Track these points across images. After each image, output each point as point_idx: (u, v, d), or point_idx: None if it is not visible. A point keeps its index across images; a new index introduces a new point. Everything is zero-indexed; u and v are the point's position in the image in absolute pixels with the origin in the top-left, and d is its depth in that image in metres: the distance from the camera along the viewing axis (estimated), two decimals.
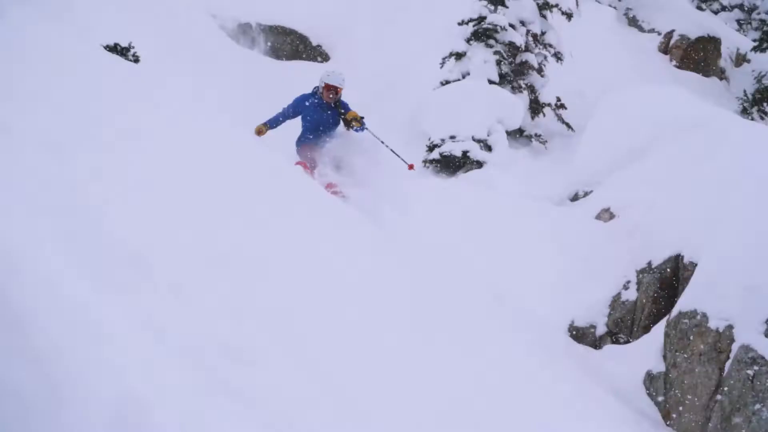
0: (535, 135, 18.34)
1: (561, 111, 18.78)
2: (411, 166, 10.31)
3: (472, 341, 5.62)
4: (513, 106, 17.48)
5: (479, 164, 16.48)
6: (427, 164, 16.87)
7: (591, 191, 11.54)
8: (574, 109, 18.36)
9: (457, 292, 7.34)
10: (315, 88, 10.29)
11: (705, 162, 10.19)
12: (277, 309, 3.64)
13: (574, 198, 12.27)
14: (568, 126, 18.41)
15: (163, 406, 2.47)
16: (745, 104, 18.56)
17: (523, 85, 18.74)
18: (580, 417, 5.45)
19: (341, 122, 10.37)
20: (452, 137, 17.05)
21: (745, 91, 19.33)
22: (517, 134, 18.06)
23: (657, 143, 11.74)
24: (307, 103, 10.19)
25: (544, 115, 18.88)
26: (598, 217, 10.55)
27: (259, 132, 9.89)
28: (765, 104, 17.40)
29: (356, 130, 10.42)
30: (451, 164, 16.70)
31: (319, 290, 4.12)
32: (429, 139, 17.35)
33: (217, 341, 3.08)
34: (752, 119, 17.41)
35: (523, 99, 18.39)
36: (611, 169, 11.80)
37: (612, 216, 10.47)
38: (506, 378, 5.02)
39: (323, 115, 10.22)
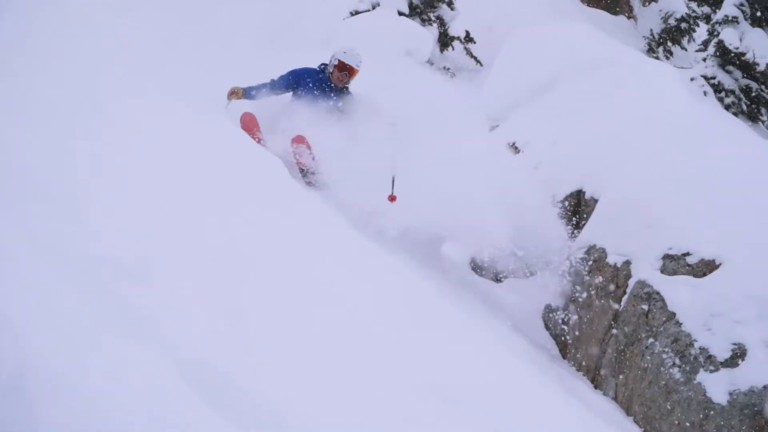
0: (444, 68, 18.22)
1: (470, 45, 18.68)
2: (392, 198, 7.87)
3: (373, 270, 5.54)
4: (422, 39, 17.28)
5: None
6: None
7: (497, 126, 11.51)
8: (483, 44, 18.29)
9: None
10: (322, 65, 8.83)
11: (609, 99, 10.23)
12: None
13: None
14: (477, 60, 18.33)
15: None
16: (652, 43, 18.73)
17: (433, 18, 18.57)
18: (476, 351, 5.42)
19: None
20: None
21: (651, 31, 19.48)
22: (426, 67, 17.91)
23: (562, 80, 11.74)
24: (308, 79, 8.67)
25: (453, 48, 18.75)
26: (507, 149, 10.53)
27: (234, 94, 8.29)
28: (670, 44, 17.57)
29: None
30: None
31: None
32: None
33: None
34: (657, 58, 17.59)
35: (432, 32, 18.22)
36: (518, 104, 11.77)
37: (517, 150, 10.47)
38: (401, 305, 4.95)
39: (325, 98, 8.66)
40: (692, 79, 13.13)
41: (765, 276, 7.54)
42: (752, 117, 13.61)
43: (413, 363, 3.88)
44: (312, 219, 5.91)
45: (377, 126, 8.31)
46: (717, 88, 13.29)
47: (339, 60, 8.62)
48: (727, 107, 13.13)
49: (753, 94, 13.47)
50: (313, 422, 2.85)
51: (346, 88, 8.80)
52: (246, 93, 8.40)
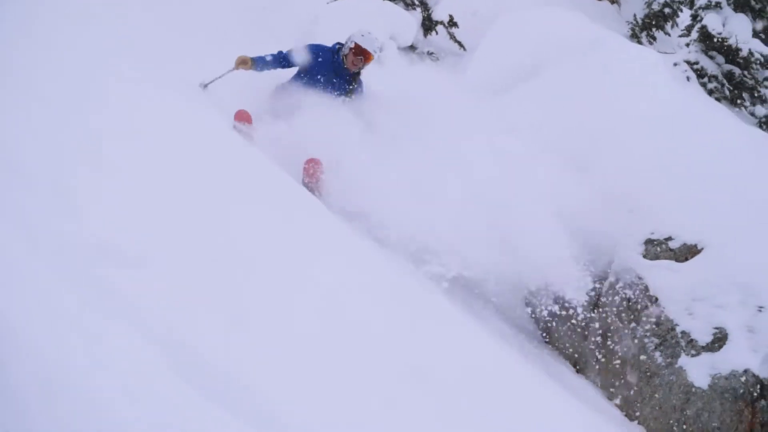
0: (428, 53, 18.16)
1: (453, 29, 18.62)
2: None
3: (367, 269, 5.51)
4: (406, 23, 17.23)
5: None
6: None
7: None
8: (467, 29, 18.20)
9: None
10: (337, 44, 8.36)
11: (594, 85, 10.23)
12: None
13: None
14: (460, 45, 18.24)
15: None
16: (635, 28, 18.69)
17: (417, 2, 18.50)
18: (456, 333, 5.41)
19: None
20: None
21: (635, 16, 19.44)
22: (409, 51, 17.86)
23: (547, 65, 11.72)
24: (320, 59, 8.17)
25: (437, 33, 18.66)
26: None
27: (243, 63, 7.84)
28: (654, 29, 17.57)
29: None
30: None
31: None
32: None
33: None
34: (641, 43, 17.58)
35: (415, 16, 18.15)
36: (501, 89, 11.75)
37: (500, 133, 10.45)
38: (389, 297, 4.93)
39: (333, 81, 8.22)
40: (675, 65, 13.14)
41: (746, 260, 7.58)
42: (735, 102, 13.65)
43: (402, 350, 3.87)
44: (311, 221, 5.72)
45: (379, 139, 7.91)
46: (700, 74, 13.31)
47: (356, 43, 8.13)
48: (710, 92, 13.15)
49: (735, 80, 13.50)
50: (306, 415, 2.83)
51: (358, 74, 8.35)
52: (254, 64, 7.94)
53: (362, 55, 8.16)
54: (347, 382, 3.20)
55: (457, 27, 19.19)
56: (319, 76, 8.16)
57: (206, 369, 2.71)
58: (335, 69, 8.22)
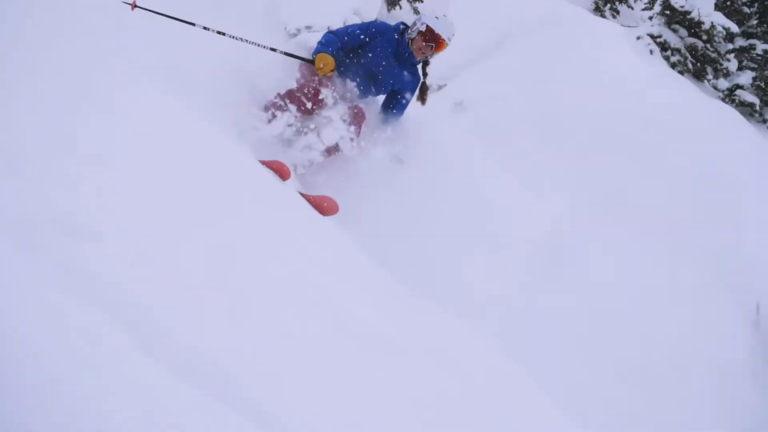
0: None
1: (417, 4, 18.54)
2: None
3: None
4: None
5: None
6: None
7: (445, 84, 11.48)
8: (430, 2, 18.14)
9: None
10: (401, 24, 7.14)
11: (559, 58, 10.27)
12: None
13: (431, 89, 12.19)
14: None
15: None
16: (598, 2, 18.72)
17: None
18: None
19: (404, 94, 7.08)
20: (308, 27, 16.63)
21: None
22: None
23: (512, 39, 11.74)
24: (381, 39, 6.88)
25: (401, 8, 18.58)
26: (453, 109, 10.50)
27: (327, 67, 6.61)
28: (617, 2, 17.59)
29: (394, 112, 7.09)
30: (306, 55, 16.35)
31: None
32: (285, 29, 16.91)
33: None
34: (604, 17, 17.63)
35: None
36: (467, 63, 11.75)
37: (464, 108, 10.44)
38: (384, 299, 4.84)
39: (394, 68, 6.96)
40: (638, 38, 13.19)
41: None
42: (698, 75, 13.73)
43: (402, 350, 3.82)
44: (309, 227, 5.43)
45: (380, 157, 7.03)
46: (663, 47, 13.38)
47: (428, 26, 6.85)
48: (673, 66, 13.22)
49: (698, 53, 13.58)
50: (306, 415, 2.81)
51: (423, 64, 7.19)
52: (331, 53, 6.72)
53: (434, 41, 6.88)
54: (347, 383, 3.17)
55: (421, 2, 19.17)
56: (381, 57, 6.91)
57: (180, 350, 2.67)
58: (397, 54, 6.99)
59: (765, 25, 14.47)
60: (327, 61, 6.64)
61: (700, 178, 8.26)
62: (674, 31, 13.51)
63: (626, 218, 7.92)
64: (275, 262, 3.73)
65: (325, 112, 6.76)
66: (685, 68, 13.42)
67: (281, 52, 6.88)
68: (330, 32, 6.91)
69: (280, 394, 2.80)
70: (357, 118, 6.87)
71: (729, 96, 13.88)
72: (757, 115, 14.07)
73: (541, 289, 6.93)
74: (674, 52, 13.37)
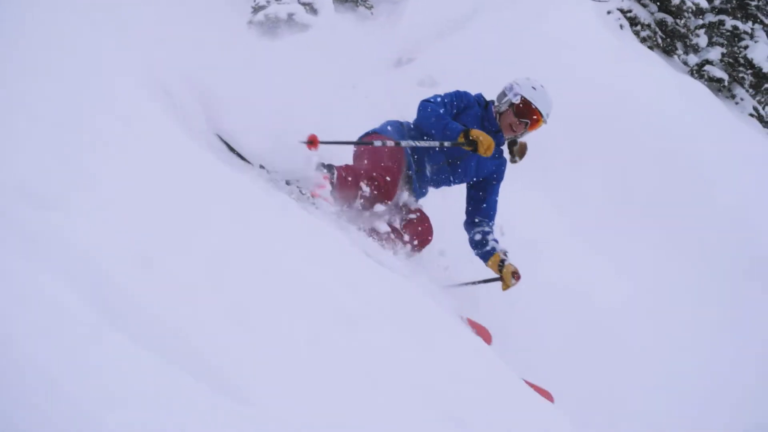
0: (362, 0, 18.03)
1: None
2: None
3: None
4: None
5: (305, 27, 16.10)
6: (252, 25, 16.37)
7: (414, 58, 11.46)
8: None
9: None
10: (480, 96, 5.72)
11: (530, 30, 10.28)
12: None
13: (398, 63, 12.16)
14: None
15: None
16: None
17: None
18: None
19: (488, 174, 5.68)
20: None
21: None
22: (344, 0, 17.70)
23: (482, 12, 11.72)
24: (467, 112, 5.55)
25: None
26: (421, 83, 10.47)
27: (492, 145, 5.17)
28: None
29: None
30: (276, 27, 16.24)
31: None
32: (254, 1, 16.82)
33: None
34: None
35: None
36: (437, 37, 11.72)
37: (434, 82, 10.42)
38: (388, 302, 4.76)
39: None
40: (609, 12, 13.18)
41: None
42: (667, 51, 13.76)
43: (404, 351, 3.79)
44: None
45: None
46: (633, 22, 13.38)
47: (523, 98, 5.47)
48: (643, 40, 13.24)
49: (668, 28, 13.60)
50: (306, 415, 2.79)
51: (510, 144, 5.71)
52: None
53: (529, 118, 5.49)
54: (347, 382, 3.15)
55: None
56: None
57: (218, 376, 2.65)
58: (484, 130, 5.58)
59: (734, 1, 14.50)
60: (490, 140, 5.23)
61: (664, 155, 8.31)
62: (644, 5, 13.53)
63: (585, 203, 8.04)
64: (276, 264, 3.69)
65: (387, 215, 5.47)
66: (654, 43, 13.44)
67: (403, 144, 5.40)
68: (429, 101, 5.52)
69: (281, 394, 2.78)
70: (422, 234, 5.67)
71: (698, 71, 13.93)
72: (725, 90, 14.14)
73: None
74: (644, 27, 13.38)
